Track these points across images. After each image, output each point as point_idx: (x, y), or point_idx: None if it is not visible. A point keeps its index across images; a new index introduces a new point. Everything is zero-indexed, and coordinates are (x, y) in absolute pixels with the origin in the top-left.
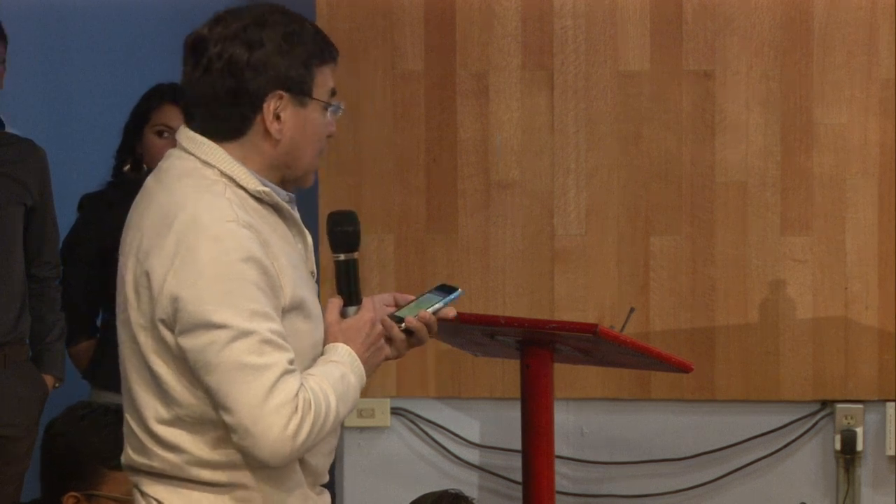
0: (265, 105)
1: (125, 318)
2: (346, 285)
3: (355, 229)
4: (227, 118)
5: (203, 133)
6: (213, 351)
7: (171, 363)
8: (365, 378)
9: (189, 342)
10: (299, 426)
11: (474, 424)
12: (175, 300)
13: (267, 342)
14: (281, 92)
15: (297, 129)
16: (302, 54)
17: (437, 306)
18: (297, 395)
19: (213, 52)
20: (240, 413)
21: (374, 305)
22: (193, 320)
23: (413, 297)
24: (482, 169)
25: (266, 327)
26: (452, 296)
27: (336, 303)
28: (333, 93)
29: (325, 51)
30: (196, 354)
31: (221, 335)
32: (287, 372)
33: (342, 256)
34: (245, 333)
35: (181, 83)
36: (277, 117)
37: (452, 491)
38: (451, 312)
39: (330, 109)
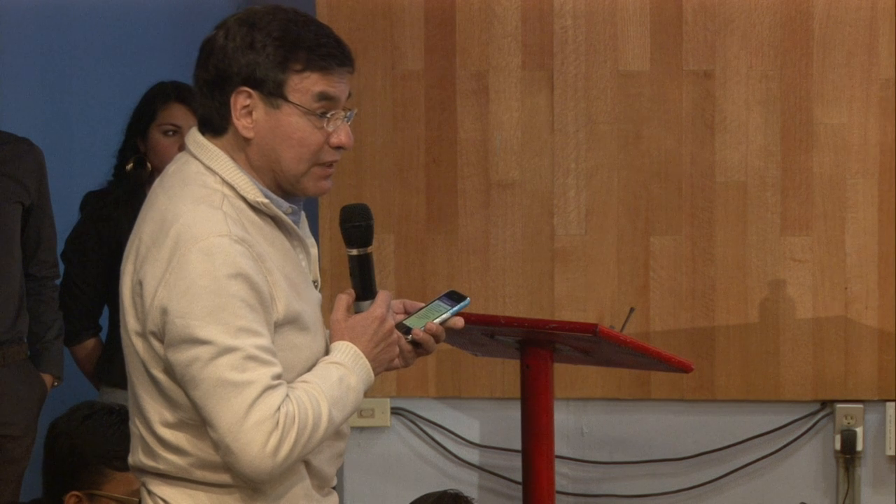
0: (231, 100)
1: (124, 324)
2: (359, 280)
3: (368, 224)
4: (209, 110)
5: (201, 125)
6: (196, 367)
7: (166, 370)
8: (372, 376)
9: (175, 356)
10: (280, 442)
11: (474, 424)
12: (164, 312)
13: (251, 358)
14: (248, 89)
15: (268, 129)
16: (274, 55)
17: (444, 316)
18: (277, 410)
19: (205, 38)
20: (221, 430)
21: (388, 300)
22: (179, 334)
23: (422, 305)
24: (482, 169)
25: (251, 343)
26: (460, 305)
27: (344, 299)
28: (322, 98)
29: (314, 57)
30: (181, 369)
31: (205, 351)
32: (269, 388)
33: (355, 251)
34: (229, 350)
35: None
36: (249, 115)
37: (452, 491)
38: (458, 323)
39: (321, 117)
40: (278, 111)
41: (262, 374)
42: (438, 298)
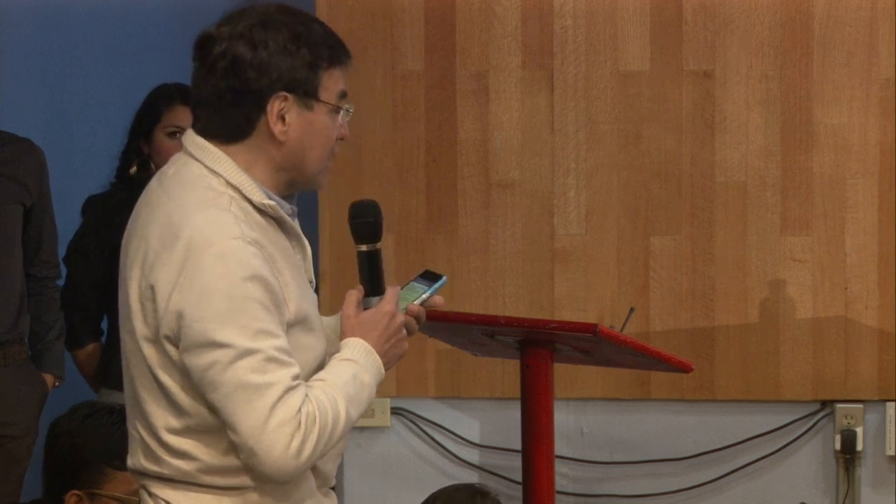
0: (268, 106)
1: (130, 328)
2: (368, 276)
3: (377, 220)
4: (231, 119)
5: (209, 134)
6: (216, 370)
7: (177, 376)
8: (383, 372)
9: (193, 360)
10: (302, 443)
11: (474, 424)
12: (180, 317)
13: (270, 360)
14: (285, 93)
15: (302, 131)
16: (308, 56)
17: (424, 297)
18: (299, 411)
19: (217, 51)
20: (243, 433)
21: (398, 296)
22: (197, 338)
23: (398, 288)
24: (482, 169)
25: (270, 345)
26: (438, 283)
27: (354, 295)
28: (343, 95)
29: (334, 53)
30: (200, 373)
31: (225, 354)
32: (290, 389)
33: (364, 247)
34: (248, 352)
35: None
36: (282, 119)
37: (478, 486)
38: (438, 301)
39: (340, 112)
40: (311, 112)
41: (283, 376)
42: (414, 279)
